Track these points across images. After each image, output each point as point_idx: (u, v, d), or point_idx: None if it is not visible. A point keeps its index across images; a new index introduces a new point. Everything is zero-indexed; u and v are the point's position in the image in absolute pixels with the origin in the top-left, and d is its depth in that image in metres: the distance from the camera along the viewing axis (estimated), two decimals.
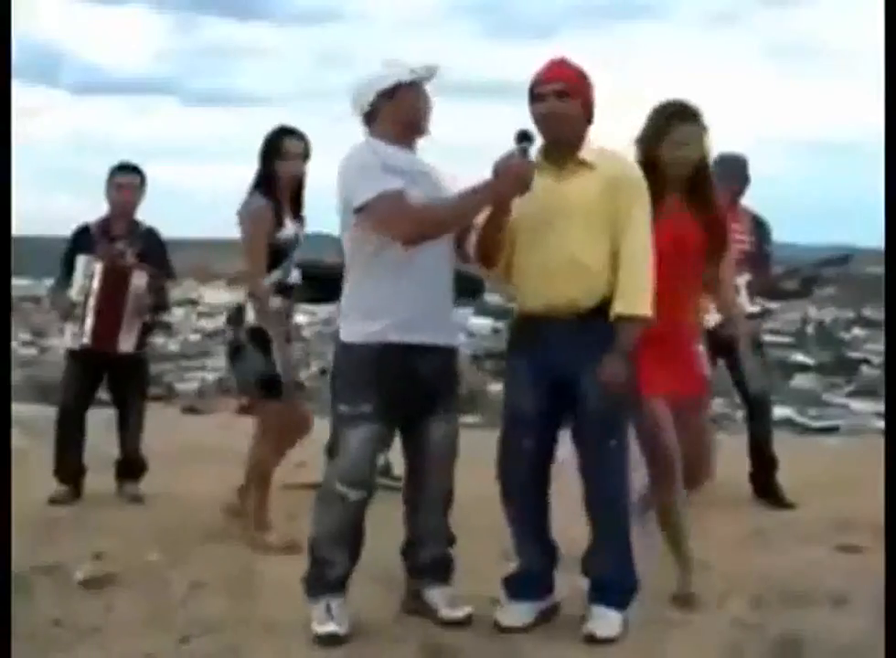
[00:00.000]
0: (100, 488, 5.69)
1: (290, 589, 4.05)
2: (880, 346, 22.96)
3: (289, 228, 4.73)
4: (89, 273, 5.53)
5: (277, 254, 4.69)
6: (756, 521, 5.07)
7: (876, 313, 27.04)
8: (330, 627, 3.69)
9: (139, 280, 5.58)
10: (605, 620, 3.69)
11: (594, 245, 3.63)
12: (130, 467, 5.76)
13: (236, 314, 4.80)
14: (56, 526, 4.86)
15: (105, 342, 5.53)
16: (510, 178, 3.54)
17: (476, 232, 3.73)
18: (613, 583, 3.75)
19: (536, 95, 3.65)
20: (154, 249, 5.73)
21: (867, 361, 20.74)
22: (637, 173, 3.71)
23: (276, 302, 4.70)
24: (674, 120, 3.87)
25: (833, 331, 25.39)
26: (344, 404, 3.73)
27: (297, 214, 4.83)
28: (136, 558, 4.54)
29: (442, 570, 3.94)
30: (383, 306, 3.69)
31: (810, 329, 24.68)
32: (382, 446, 3.97)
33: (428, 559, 3.94)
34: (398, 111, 3.74)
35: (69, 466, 5.67)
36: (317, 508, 3.80)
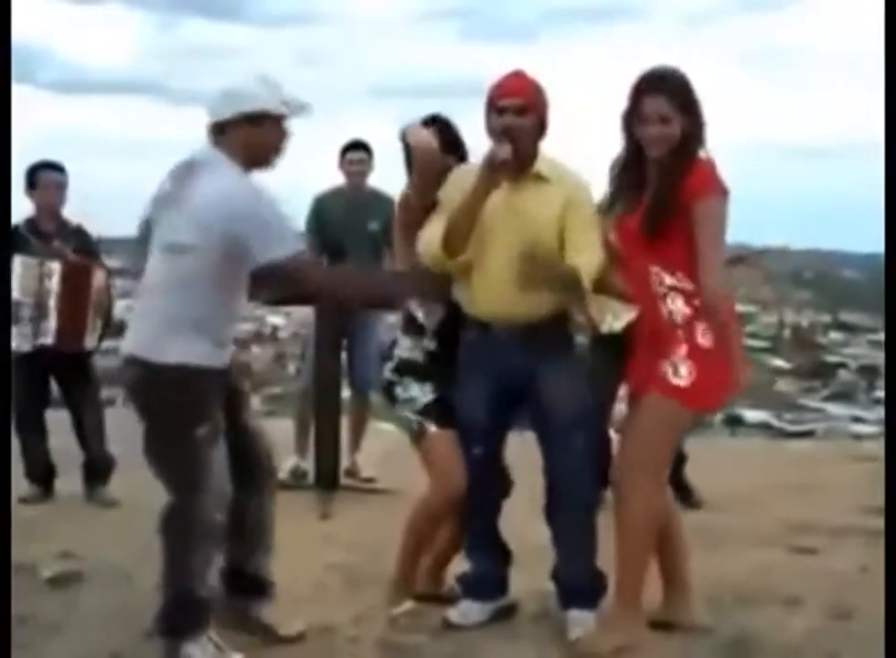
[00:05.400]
0: (71, 488, 5.72)
1: None
2: (857, 350, 23.19)
3: None
4: (38, 273, 5.50)
5: None
6: (710, 523, 5.13)
7: (852, 316, 27.27)
8: None
9: (99, 278, 5.62)
10: (584, 624, 3.72)
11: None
12: (96, 467, 5.75)
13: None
14: (25, 526, 4.88)
15: (71, 341, 5.54)
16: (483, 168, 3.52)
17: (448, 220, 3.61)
18: (586, 587, 3.78)
19: (495, 108, 3.62)
20: (86, 246, 5.72)
21: (844, 365, 20.88)
22: (589, 190, 3.72)
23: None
24: (640, 93, 3.53)
25: (810, 335, 25.59)
26: (200, 426, 3.48)
27: None
28: (103, 557, 4.57)
29: None
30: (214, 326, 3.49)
31: (787, 333, 24.85)
32: None
33: None
34: (254, 140, 3.48)
35: (37, 466, 5.71)
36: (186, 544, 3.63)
